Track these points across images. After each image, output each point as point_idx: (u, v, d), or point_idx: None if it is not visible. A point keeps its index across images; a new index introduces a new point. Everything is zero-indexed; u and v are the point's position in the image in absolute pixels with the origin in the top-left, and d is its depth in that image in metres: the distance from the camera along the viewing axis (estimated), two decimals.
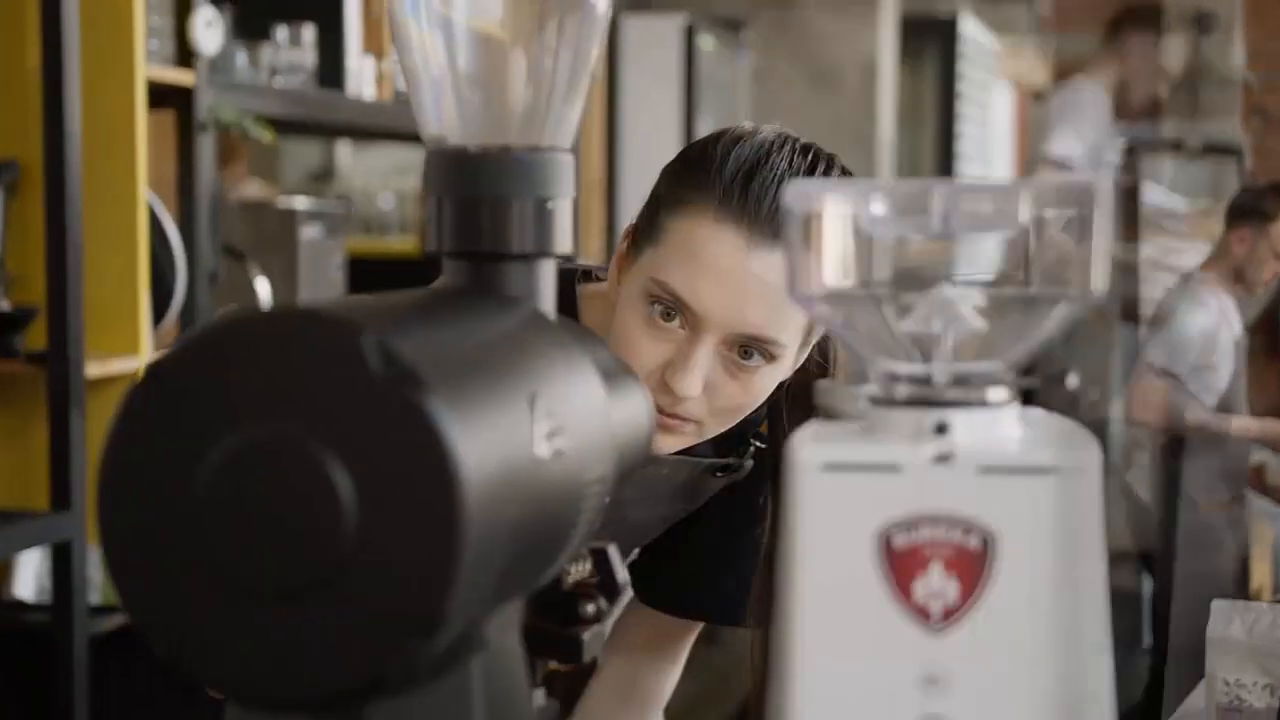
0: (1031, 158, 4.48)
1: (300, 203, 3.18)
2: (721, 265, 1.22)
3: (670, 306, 1.24)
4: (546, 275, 0.83)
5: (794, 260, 0.72)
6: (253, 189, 4.08)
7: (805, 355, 1.34)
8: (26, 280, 2.44)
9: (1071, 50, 10.13)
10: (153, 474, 0.63)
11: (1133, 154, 4.44)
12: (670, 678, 1.55)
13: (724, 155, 1.25)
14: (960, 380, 0.72)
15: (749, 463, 1.43)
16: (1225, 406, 4.28)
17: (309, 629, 0.62)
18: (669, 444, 1.29)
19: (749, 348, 1.25)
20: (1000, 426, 0.71)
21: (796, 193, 0.72)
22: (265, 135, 2.76)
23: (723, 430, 1.31)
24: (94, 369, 2.42)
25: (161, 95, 2.64)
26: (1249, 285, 4.33)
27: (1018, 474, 0.68)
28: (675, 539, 1.48)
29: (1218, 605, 2.04)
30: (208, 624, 0.63)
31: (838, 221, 0.72)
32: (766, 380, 1.28)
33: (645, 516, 1.44)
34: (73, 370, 2.33)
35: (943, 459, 0.69)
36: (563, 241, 0.83)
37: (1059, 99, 4.40)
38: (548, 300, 0.83)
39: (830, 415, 0.82)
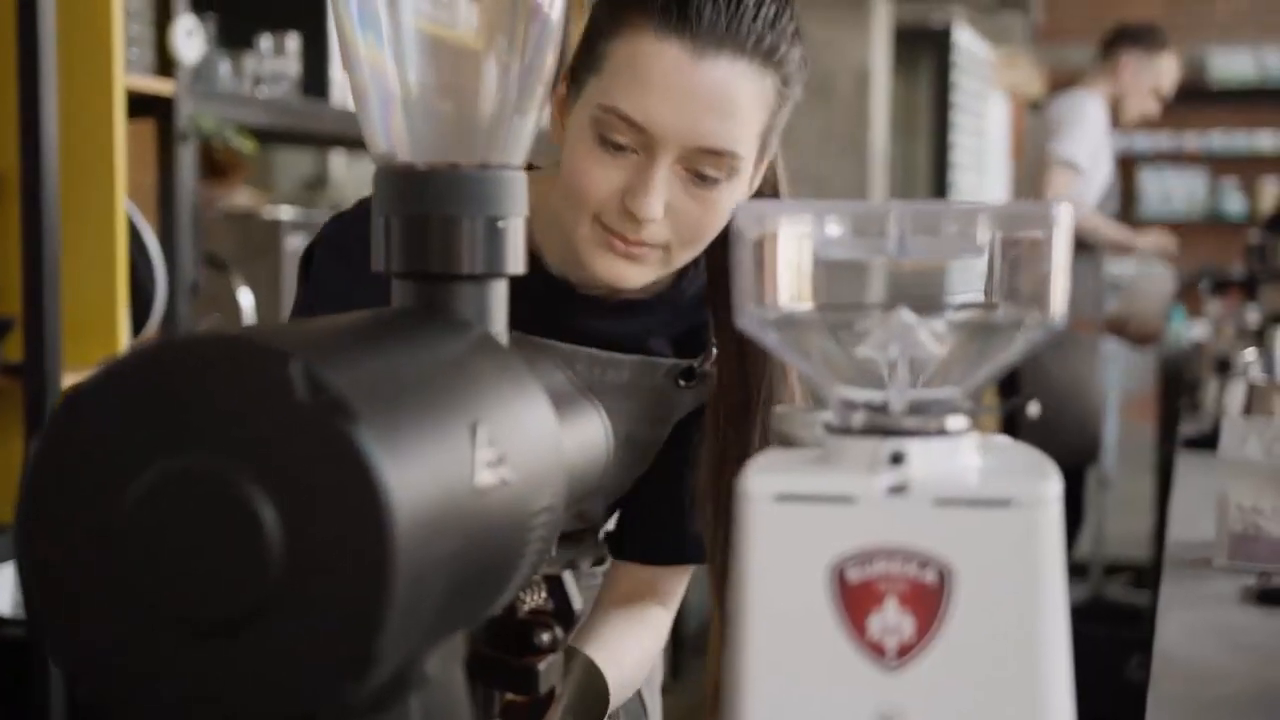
0: (1033, 158, 4.48)
1: (286, 212, 3.15)
2: (669, 80, 1.20)
3: (620, 132, 1.21)
4: (498, 296, 0.81)
5: (744, 283, 0.70)
6: (243, 197, 4.06)
7: (761, 175, 1.32)
8: (3, 291, 2.41)
9: (1066, 60, 10.13)
10: (74, 503, 0.61)
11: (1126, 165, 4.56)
12: (656, 630, 1.46)
13: None
14: (918, 408, 0.70)
15: (711, 369, 1.39)
16: (1101, 209, 4.46)
17: (234, 666, 0.59)
18: (636, 274, 1.27)
19: (705, 168, 1.22)
20: (958, 456, 0.68)
21: (748, 214, 0.69)
22: (246, 145, 2.73)
23: (689, 257, 1.28)
24: (71, 381, 2.39)
25: (142, 104, 2.61)
26: (1120, 118, 4.51)
27: (975, 506, 0.66)
28: (644, 486, 1.46)
29: (1231, 421, 1.96)
30: (130, 658, 0.61)
31: (791, 243, 0.70)
32: (727, 198, 1.25)
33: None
34: (49, 383, 2.30)
35: (897, 490, 0.66)
36: (515, 261, 0.81)
37: (1063, 104, 4.43)
38: (499, 321, 0.81)
39: (786, 442, 0.79)
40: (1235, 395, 2.97)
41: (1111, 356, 6.09)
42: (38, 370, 2.31)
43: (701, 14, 1.19)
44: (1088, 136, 4.32)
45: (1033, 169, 4.43)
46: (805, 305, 0.71)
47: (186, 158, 2.66)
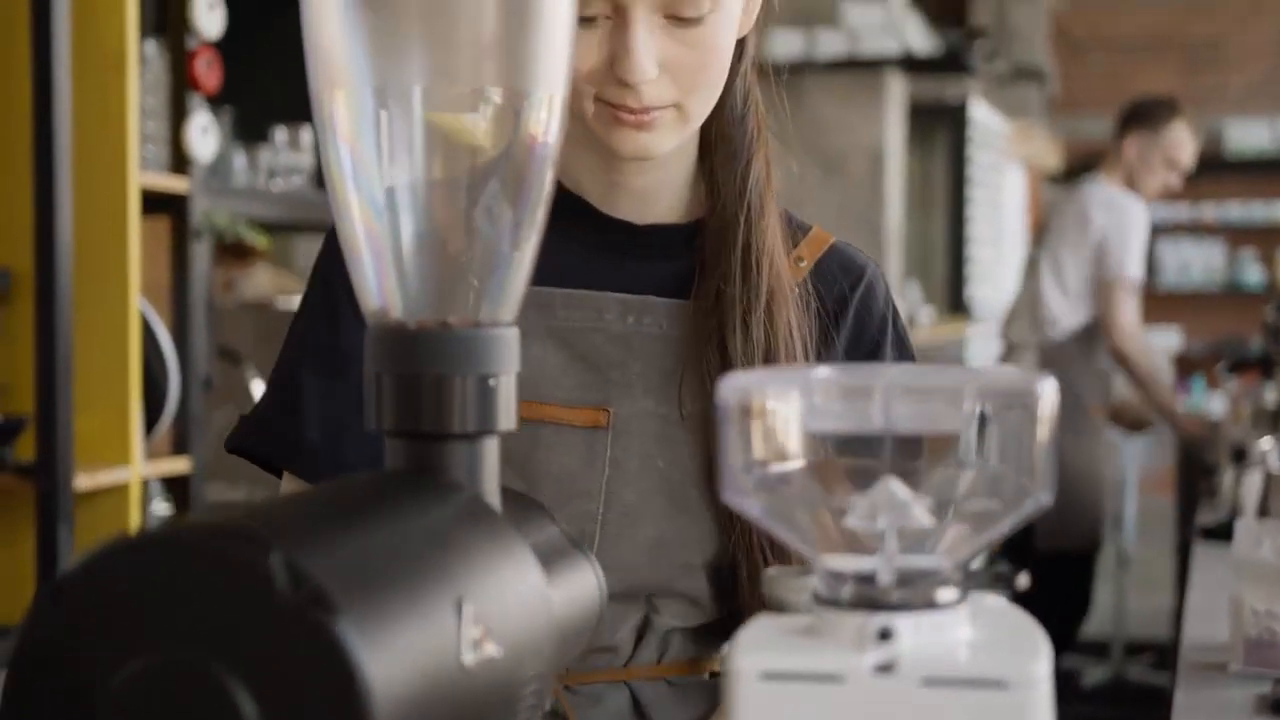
0: (1099, 275, 4.43)
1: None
2: None
3: (582, 3, 1.11)
4: (489, 454, 0.81)
5: (729, 453, 0.70)
6: (263, 278, 4.08)
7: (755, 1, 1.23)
8: (17, 390, 2.42)
9: (1083, 132, 10.16)
10: (56, 694, 0.61)
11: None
12: None
13: None
14: (906, 579, 0.69)
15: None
16: None
17: None
18: (656, 141, 1.17)
19: (683, 8, 1.13)
20: (948, 630, 0.68)
21: (732, 385, 0.69)
22: (259, 241, 2.75)
23: (708, 109, 1.18)
24: (84, 481, 2.39)
25: (156, 201, 2.63)
26: (1141, 193, 4.50)
27: (965, 687, 0.65)
28: None
29: (1243, 524, 1.93)
30: None
31: (775, 415, 0.69)
32: (721, 31, 1.15)
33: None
34: (61, 484, 2.30)
35: (885, 669, 0.66)
36: (507, 418, 0.81)
37: (1111, 213, 4.39)
38: (490, 480, 0.81)
39: (777, 606, 0.79)
40: (1252, 485, 2.95)
41: (1123, 436, 6.07)
42: (50, 472, 2.31)
43: None
44: (1136, 242, 4.34)
45: (1094, 284, 4.38)
46: (791, 475, 0.71)
47: (200, 254, 2.67)
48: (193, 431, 2.67)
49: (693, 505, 1.20)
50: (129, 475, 2.49)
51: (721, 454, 0.70)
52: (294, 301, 3.26)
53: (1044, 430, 0.67)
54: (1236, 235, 10.10)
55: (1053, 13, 9.95)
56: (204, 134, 2.65)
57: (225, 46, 2.74)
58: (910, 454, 0.71)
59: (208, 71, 2.64)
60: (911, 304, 6.40)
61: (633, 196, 1.26)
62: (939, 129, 7.23)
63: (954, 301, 7.33)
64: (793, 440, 0.70)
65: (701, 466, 1.20)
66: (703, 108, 1.18)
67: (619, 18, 1.13)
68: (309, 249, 4.00)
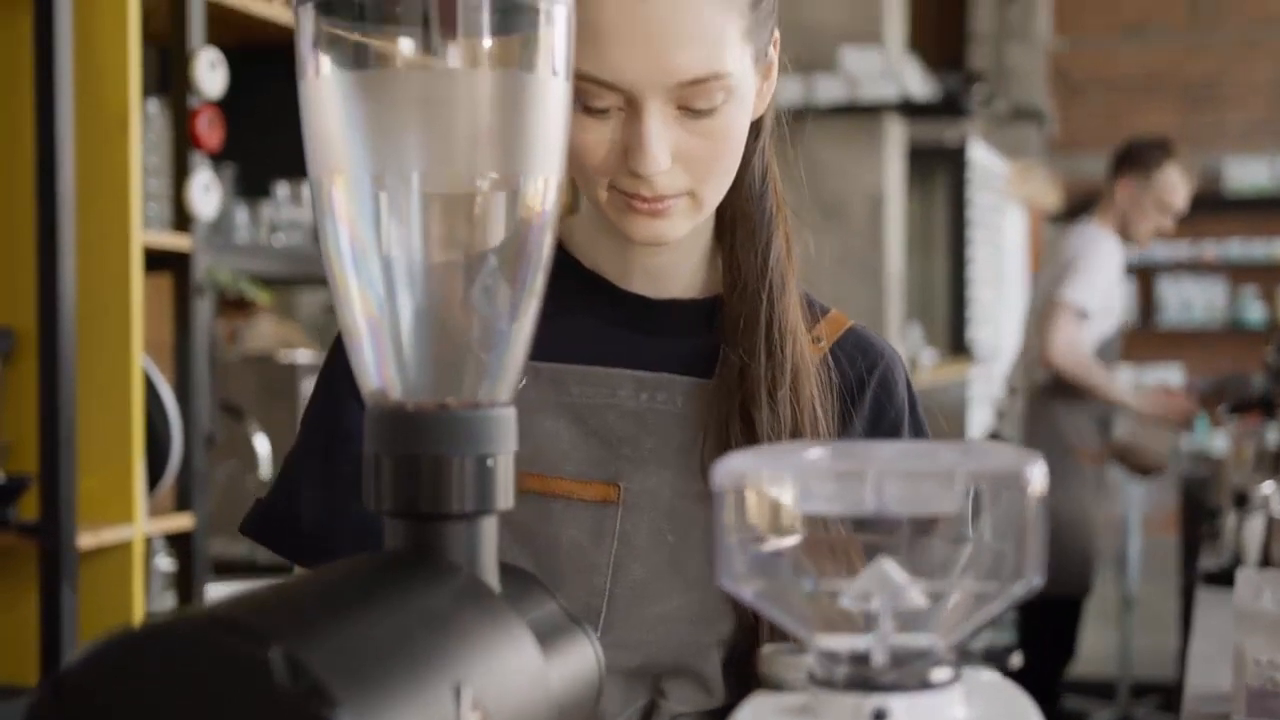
0: (1044, 287, 4.49)
1: (303, 356, 3.18)
2: (620, 27, 1.10)
3: (596, 96, 1.12)
4: (488, 533, 0.82)
5: (723, 537, 0.70)
6: (267, 328, 4.09)
7: (772, 79, 1.23)
8: (20, 449, 2.43)
9: (1082, 171, 10.19)
10: None
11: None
12: None
13: None
14: (900, 659, 0.70)
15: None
16: (1101, 354, 4.42)
17: None
18: (670, 228, 1.17)
19: (695, 100, 1.12)
20: (943, 710, 0.68)
21: (726, 470, 0.70)
22: (261, 297, 2.76)
23: (721, 194, 1.18)
24: (87, 539, 2.40)
25: (159, 258, 2.65)
26: (1132, 237, 4.49)
27: None
28: None
29: (1244, 574, 1.93)
30: None
31: (769, 497, 0.70)
32: (734, 120, 1.15)
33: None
34: (65, 543, 2.31)
35: None
36: (505, 498, 0.82)
37: (1078, 241, 4.44)
38: (489, 559, 0.81)
39: (772, 684, 0.79)
40: (1254, 530, 2.95)
41: (1127, 479, 6.07)
42: (53, 531, 2.32)
43: None
44: (1100, 278, 4.33)
45: (1041, 305, 4.44)
46: (785, 557, 0.71)
47: (203, 310, 2.69)
48: (195, 488, 2.68)
49: (704, 581, 1.19)
50: (132, 533, 2.50)
51: (716, 537, 0.70)
52: (296, 355, 3.28)
53: (1034, 512, 0.68)
54: (1237, 273, 10.12)
55: (1051, 53, 10.00)
56: (206, 192, 2.67)
57: (227, 103, 2.76)
58: (904, 534, 0.72)
59: (210, 130, 2.66)
60: (913, 346, 6.41)
61: (649, 273, 1.26)
62: (938, 171, 7.25)
63: (955, 343, 7.34)
64: (786, 522, 0.71)
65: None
66: (716, 194, 1.18)
67: (631, 109, 1.13)
68: (311, 301, 4.03)
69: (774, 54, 1.23)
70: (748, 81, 1.16)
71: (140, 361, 2.51)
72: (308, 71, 0.80)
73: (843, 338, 1.29)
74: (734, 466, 0.71)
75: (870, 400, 1.28)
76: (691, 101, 1.12)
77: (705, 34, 1.11)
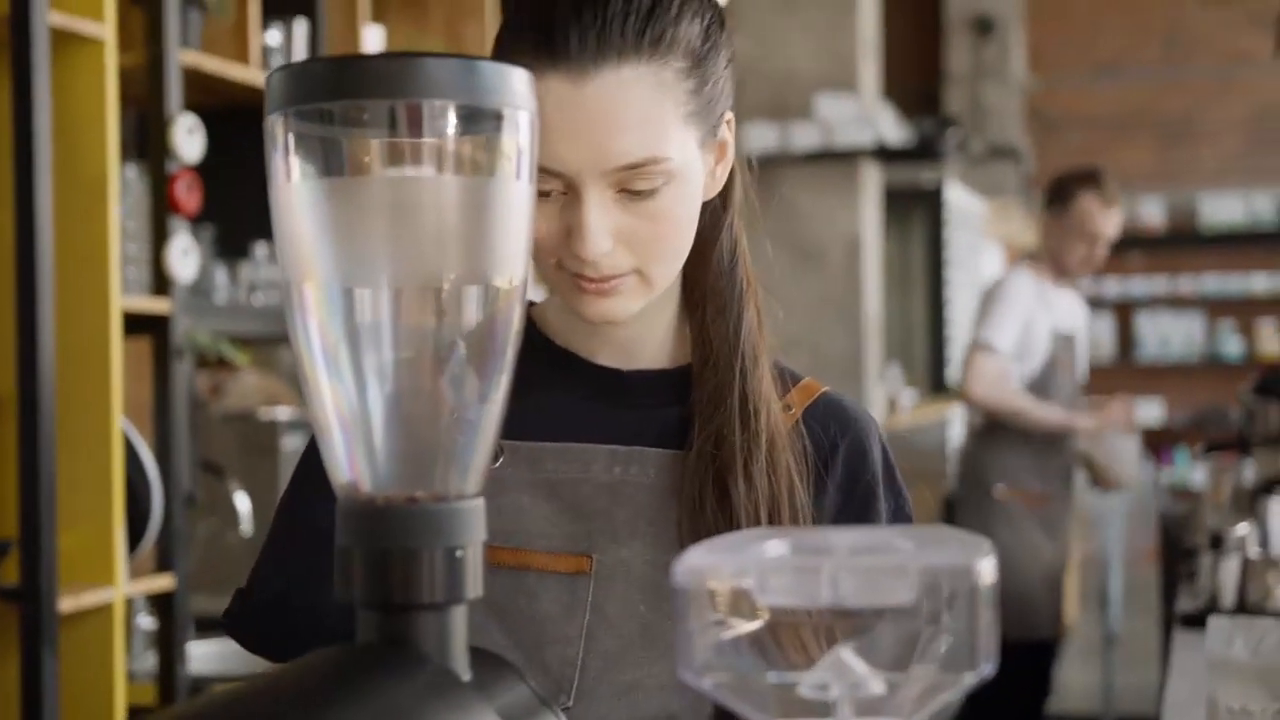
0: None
1: (283, 413, 3.20)
2: (558, 116, 1.12)
3: (538, 181, 1.11)
4: (458, 622, 0.84)
5: (684, 632, 0.73)
6: (250, 381, 4.10)
7: (725, 158, 1.23)
8: (1, 512, 2.44)
9: None
10: None
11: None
12: None
13: (517, 6, 1.18)
14: None
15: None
16: (1039, 392, 4.37)
17: None
18: (619, 306, 1.19)
19: (635, 183, 1.14)
20: None
21: (686, 566, 0.72)
22: (240, 359, 2.78)
23: (672, 272, 1.20)
24: (68, 603, 2.41)
25: (139, 322, 2.66)
26: (1065, 271, 4.42)
27: None
28: None
29: (1216, 622, 1.94)
30: None
31: (729, 592, 0.73)
32: (678, 201, 1.17)
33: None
34: (45, 608, 2.32)
35: None
36: (474, 586, 0.84)
37: (994, 283, 4.48)
38: (459, 646, 0.83)
39: None
40: (1230, 572, 2.97)
41: (1112, 513, 6.10)
42: (34, 594, 2.33)
43: (568, 39, 1.13)
44: (1011, 316, 4.30)
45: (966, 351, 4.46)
46: (745, 649, 0.74)
47: (182, 373, 2.71)
48: (176, 548, 2.69)
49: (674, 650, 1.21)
50: (113, 595, 2.51)
51: (678, 633, 0.73)
52: (276, 411, 3.30)
53: (984, 603, 0.70)
54: (1215, 307, 10.19)
55: (1026, 92, 10.08)
56: (185, 256, 2.69)
57: (205, 164, 2.79)
58: (861, 624, 0.74)
59: (188, 195, 2.69)
60: (892, 387, 6.44)
61: (617, 346, 1.28)
62: (915, 212, 7.30)
63: (935, 382, 7.38)
64: (746, 616, 0.73)
65: None
66: (666, 273, 1.20)
67: (573, 193, 1.15)
68: (292, 355, 4.04)
69: (727, 134, 1.24)
70: (692, 164, 1.18)
71: (120, 424, 2.52)
72: (279, 178, 0.82)
73: (814, 404, 1.31)
74: (694, 562, 0.73)
75: (843, 466, 1.29)
76: (631, 184, 1.15)
77: (642, 120, 1.13)
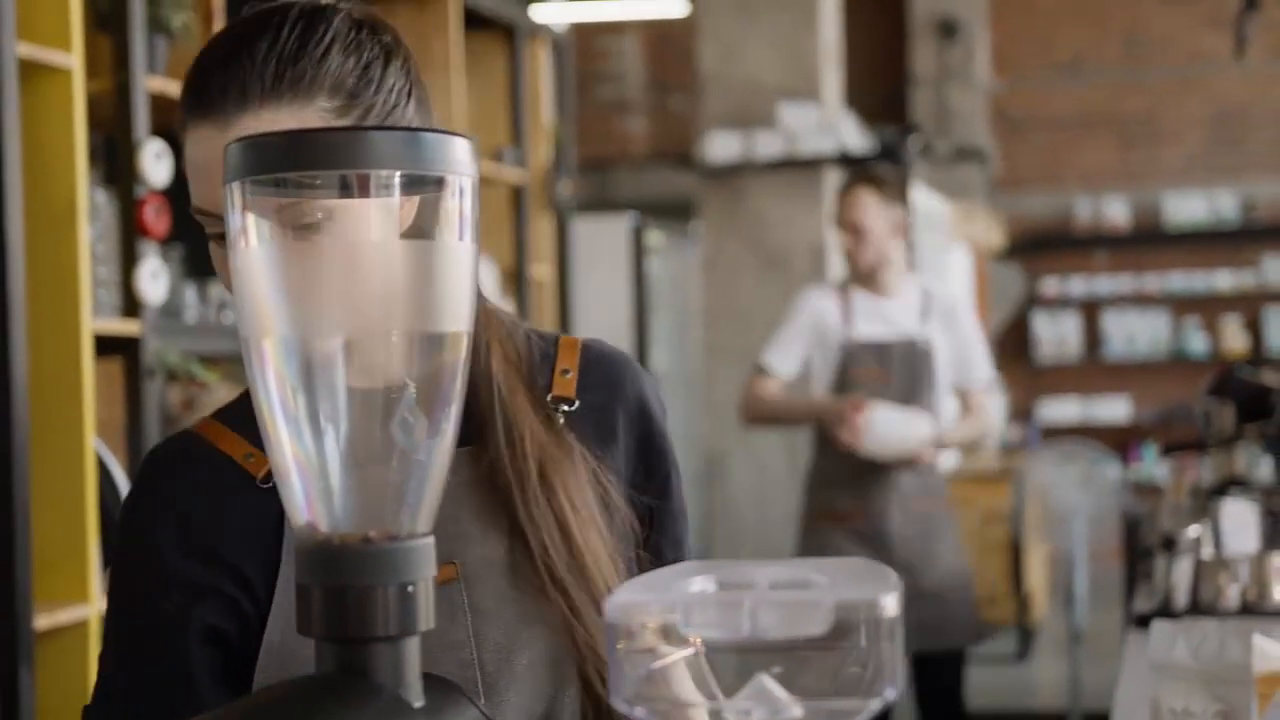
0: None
1: None
2: (212, 161, 1.17)
3: (214, 225, 1.20)
4: (411, 652, 0.90)
5: (616, 663, 0.79)
6: (222, 394, 4.13)
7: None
8: None
9: (1025, 208, 10.36)
10: None
11: None
12: None
13: (193, 60, 1.23)
14: None
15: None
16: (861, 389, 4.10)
17: None
18: None
19: (299, 217, 1.15)
20: None
21: (616, 604, 0.79)
22: (210, 378, 2.84)
23: None
24: (43, 620, 2.46)
25: (109, 344, 2.71)
26: (854, 275, 4.20)
27: None
28: None
29: (1159, 625, 2.00)
30: None
31: (656, 628, 0.79)
32: (357, 234, 1.16)
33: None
34: (21, 627, 2.37)
35: None
36: (426, 619, 0.90)
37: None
38: (412, 675, 0.90)
39: None
40: (1183, 573, 3.03)
41: (1077, 509, 6.18)
42: (8, 611, 2.38)
43: (211, 90, 1.19)
44: (789, 337, 4.15)
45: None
46: (672, 679, 0.80)
47: (153, 393, 2.76)
48: None
49: (550, 620, 1.27)
50: (88, 613, 2.56)
51: (610, 665, 0.79)
52: None
53: (887, 634, 0.77)
54: (1180, 305, 10.30)
55: (991, 94, 10.18)
56: (154, 278, 2.74)
57: (174, 188, 2.84)
58: (780, 653, 0.80)
59: (157, 218, 2.74)
60: None
61: None
62: None
63: None
64: (672, 648, 0.80)
65: (542, 584, 1.27)
66: None
67: None
68: None
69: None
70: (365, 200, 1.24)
71: (92, 445, 2.57)
72: (237, 242, 0.88)
73: (584, 360, 1.35)
74: (623, 599, 0.79)
75: (623, 415, 1.35)
76: (296, 223, 1.16)
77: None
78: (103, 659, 1.29)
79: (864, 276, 4.15)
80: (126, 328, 2.72)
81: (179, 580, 1.26)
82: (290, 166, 0.88)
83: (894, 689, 0.78)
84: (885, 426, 3.99)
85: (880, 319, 4.15)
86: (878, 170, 4.31)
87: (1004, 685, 6.40)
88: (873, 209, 4.10)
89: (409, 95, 1.26)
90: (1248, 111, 10.14)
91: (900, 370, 4.15)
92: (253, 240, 0.89)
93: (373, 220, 0.89)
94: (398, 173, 0.88)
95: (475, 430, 1.29)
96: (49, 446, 2.53)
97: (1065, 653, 5.97)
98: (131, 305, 2.74)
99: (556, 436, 1.30)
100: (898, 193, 4.20)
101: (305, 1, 1.24)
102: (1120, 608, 6.00)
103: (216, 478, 1.27)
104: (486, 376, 1.30)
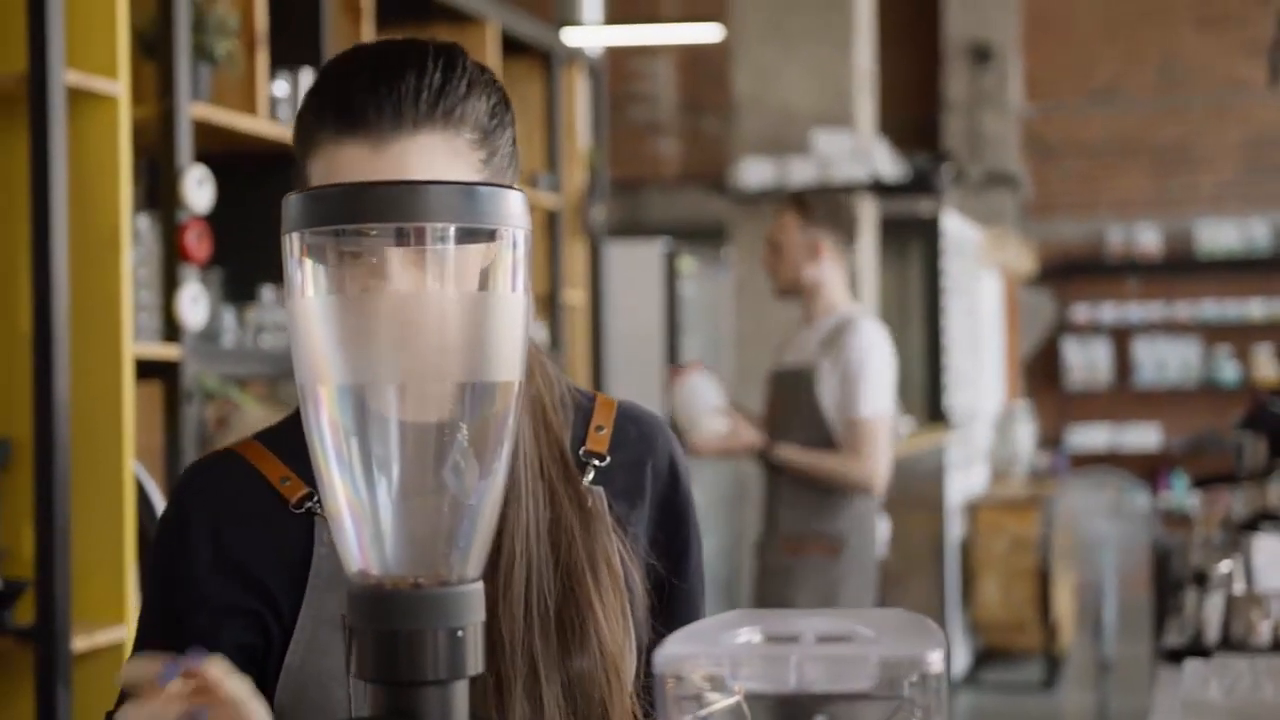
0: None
1: None
2: (356, 178, 1.19)
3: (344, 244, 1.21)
4: (459, 697, 0.91)
5: (663, 714, 0.80)
6: (254, 412, 4.16)
7: None
8: (17, 554, 2.52)
9: (1057, 235, 10.35)
10: None
11: None
12: None
13: (322, 77, 1.26)
14: None
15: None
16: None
17: None
18: None
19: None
20: None
21: (665, 657, 0.80)
22: (248, 402, 2.86)
23: None
24: (81, 642, 2.48)
25: (149, 368, 2.74)
26: (778, 295, 4.15)
27: None
28: None
29: (1193, 665, 2.01)
30: None
31: (703, 680, 0.80)
32: (468, 265, 1.22)
33: None
34: (60, 647, 2.39)
35: None
36: (474, 664, 0.91)
37: None
38: (460, 718, 0.91)
39: None
40: (1214, 609, 3.03)
41: (1107, 538, 6.16)
42: (48, 634, 2.40)
43: (365, 110, 1.20)
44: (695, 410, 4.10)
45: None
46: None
47: (191, 417, 2.78)
48: None
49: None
50: (125, 634, 2.58)
51: (659, 714, 0.80)
52: None
53: (936, 688, 0.78)
54: (1211, 333, 10.26)
55: (1024, 120, 10.17)
56: (194, 303, 2.77)
57: (215, 213, 2.87)
58: (826, 705, 0.82)
59: (198, 244, 2.77)
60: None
61: None
62: (913, 242, 7.38)
63: (933, 410, 7.45)
64: (719, 700, 0.81)
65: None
66: None
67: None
68: (294, 393, 4.13)
69: None
70: None
71: (131, 468, 2.60)
72: (295, 291, 0.90)
73: (619, 419, 1.37)
74: (672, 650, 0.81)
75: (653, 477, 1.36)
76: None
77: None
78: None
79: (787, 296, 4.14)
80: (167, 352, 2.75)
81: (210, 595, 1.27)
82: (349, 219, 0.89)
83: None
84: (685, 392, 4.01)
85: (795, 348, 4.13)
86: (809, 196, 4.26)
87: (1030, 714, 6.38)
88: (790, 228, 4.07)
89: (514, 143, 1.30)
90: None
91: (782, 397, 4.10)
92: (309, 290, 0.90)
93: (427, 270, 0.91)
94: (453, 225, 0.89)
95: None
96: (89, 469, 2.56)
97: (1091, 682, 5.95)
98: (172, 330, 2.77)
99: (578, 494, 1.30)
100: (825, 219, 4.08)
101: (432, 39, 1.27)
102: (1148, 638, 5.97)
103: (251, 498, 1.29)
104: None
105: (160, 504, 2.69)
